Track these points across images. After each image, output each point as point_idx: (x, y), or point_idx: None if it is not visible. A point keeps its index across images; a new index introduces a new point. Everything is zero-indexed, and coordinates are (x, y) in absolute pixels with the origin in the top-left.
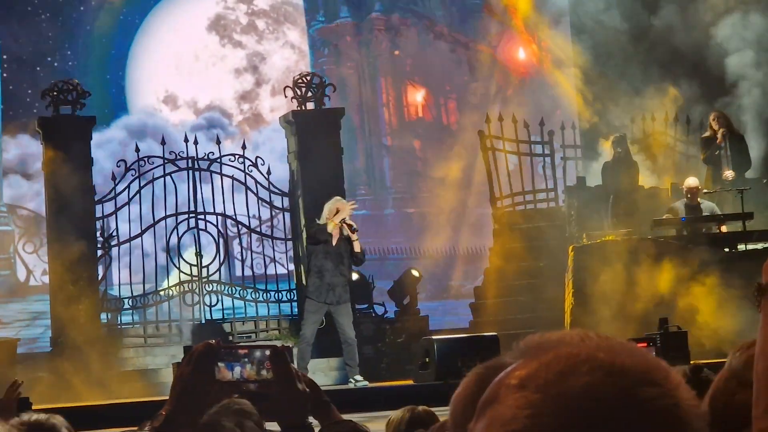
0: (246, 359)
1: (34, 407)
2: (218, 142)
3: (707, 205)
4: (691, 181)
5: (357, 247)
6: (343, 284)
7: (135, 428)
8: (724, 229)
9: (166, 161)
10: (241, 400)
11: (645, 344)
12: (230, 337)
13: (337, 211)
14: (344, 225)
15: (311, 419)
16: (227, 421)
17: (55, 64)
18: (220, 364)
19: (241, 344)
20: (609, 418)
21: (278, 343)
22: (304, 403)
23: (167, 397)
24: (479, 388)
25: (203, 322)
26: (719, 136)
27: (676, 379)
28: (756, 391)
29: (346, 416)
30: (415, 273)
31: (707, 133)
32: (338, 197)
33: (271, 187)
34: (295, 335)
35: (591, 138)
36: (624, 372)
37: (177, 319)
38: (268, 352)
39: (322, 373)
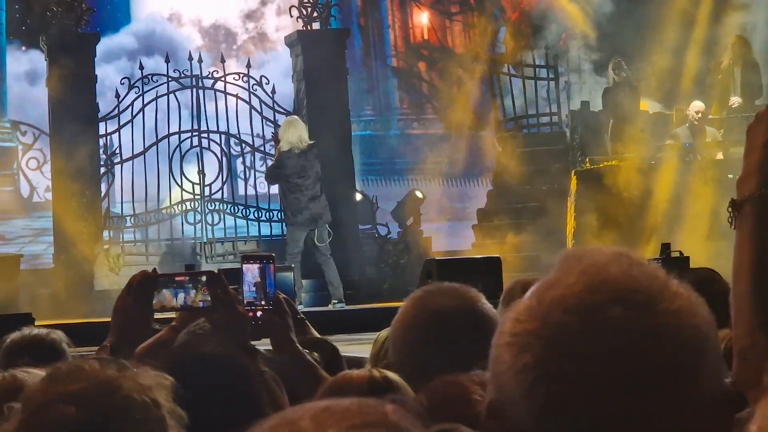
0: (190, 285)
1: (36, 323)
2: (222, 61)
3: (709, 131)
4: (697, 105)
5: None
6: (324, 205)
7: (96, 348)
8: (719, 156)
9: (170, 79)
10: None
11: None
12: (231, 257)
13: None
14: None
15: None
16: (201, 341)
17: None
18: (165, 291)
19: (179, 272)
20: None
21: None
22: (243, 326)
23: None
24: (417, 311)
25: (205, 240)
26: (725, 61)
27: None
28: (736, 311)
29: (347, 337)
30: (418, 194)
31: (726, 63)
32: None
33: (276, 107)
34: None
35: (596, 62)
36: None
37: (179, 238)
38: (204, 278)
39: (305, 294)
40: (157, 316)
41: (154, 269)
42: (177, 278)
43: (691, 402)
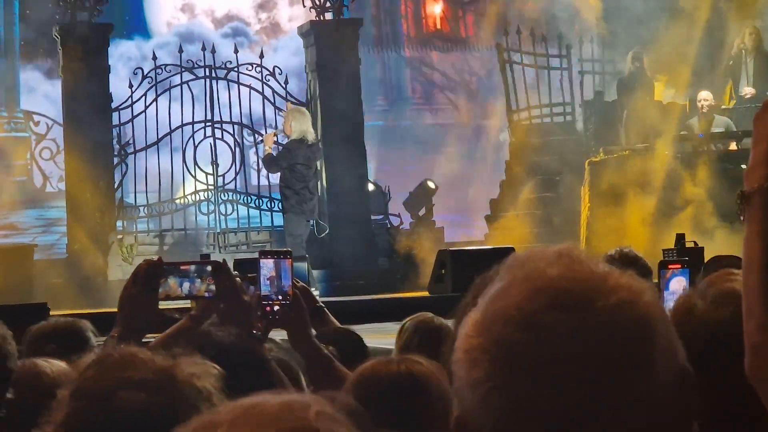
0: (195, 274)
1: (50, 313)
2: (236, 51)
3: (723, 121)
4: (704, 94)
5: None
6: (318, 196)
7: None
8: (733, 146)
9: (183, 69)
10: None
11: (679, 266)
12: (245, 247)
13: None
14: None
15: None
16: (219, 332)
17: None
18: (170, 280)
19: (183, 261)
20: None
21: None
22: (247, 315)
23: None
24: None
25: (218, 231)
26: (735, 49)
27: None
28: (746, 305)
29: (359, 327)
30: (431, 184)
31: (736, 49)
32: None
33: (289, 97)
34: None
35: (609, 52)
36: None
37: (192, 228)
38: (209, 268)
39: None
40: (162, 305)
41: (160, 258)
42: (182, 267)
43: (645, 391)
